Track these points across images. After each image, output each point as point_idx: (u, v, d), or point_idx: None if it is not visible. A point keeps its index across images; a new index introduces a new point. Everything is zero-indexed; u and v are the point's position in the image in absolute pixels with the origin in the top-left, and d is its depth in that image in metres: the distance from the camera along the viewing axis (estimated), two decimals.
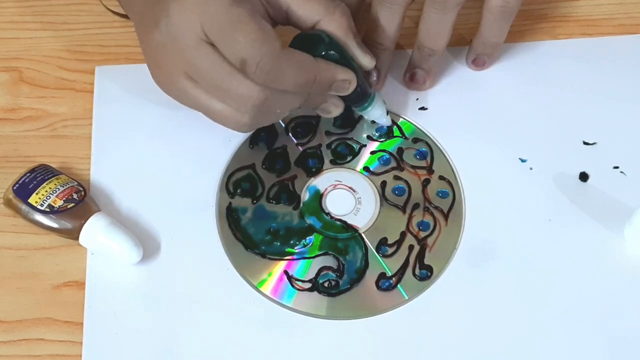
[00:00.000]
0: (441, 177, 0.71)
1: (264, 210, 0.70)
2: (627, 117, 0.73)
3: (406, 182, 0.71)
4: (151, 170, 0.71)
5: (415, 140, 0.72)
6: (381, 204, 0.70)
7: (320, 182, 0.71)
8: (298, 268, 0.68)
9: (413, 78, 0.73)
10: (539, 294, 0.67)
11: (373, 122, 0.72)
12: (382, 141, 0.72)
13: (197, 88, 0.64)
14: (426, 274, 0.68)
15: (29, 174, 0.68)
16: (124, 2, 0.70)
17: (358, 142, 0.72)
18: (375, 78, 0.72)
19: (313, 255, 0.68)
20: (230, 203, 0.70)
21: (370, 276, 0.68)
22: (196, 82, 0.64)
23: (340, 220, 0.70)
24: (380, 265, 0.68)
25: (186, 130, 0.71)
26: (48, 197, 0.67)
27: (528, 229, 0.69)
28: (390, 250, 0.68)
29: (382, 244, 0.69)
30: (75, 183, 0.68)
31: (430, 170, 0.71)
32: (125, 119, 0.73)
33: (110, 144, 0.72)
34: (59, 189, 0.67)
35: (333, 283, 0.67)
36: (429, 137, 0.72)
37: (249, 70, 0.61)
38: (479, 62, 0.75)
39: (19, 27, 0.77)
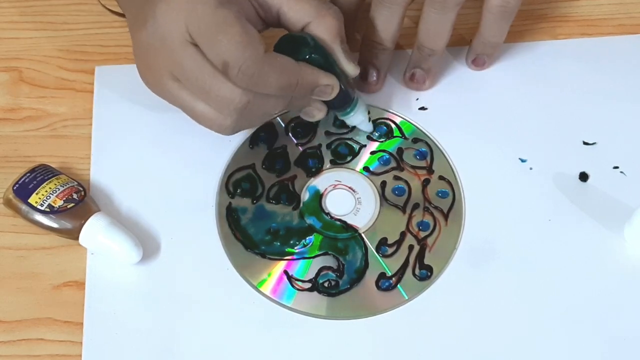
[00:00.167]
0: (441, 177, 0.71)
1: (264, 210, 0.70)
2: (627, 117, 0.73)
3: (406, 182, 0.71)
4: (151, 170, 0.71)
5: (415, 140, 0.72)
6: (381, 204, 0.70)
7: (320, 182, 0.71)
8: (298, 268, 0.68)
9: (413, 78, 0.73)
10: (539, 294, 0.67)
11: (354, 127, 0.72)
12: (382, 141, 0.72)
13: (182, 89, 0.64)
14: (426, 274, 0.68)
15: (29, 174, 0.68)
16: (122, 2, 0.70)
17: (358, 142, 0.72)
18: (375, 78, 0.73)
19: (313, 255, 0.68)
20: (230, 203, 0.70)
21: (370, 276, 0.68)
22: (181, 82, 0.64)
23: (340, 220, 0.70)
24: (380, 265, 0.68)
25: (186, 131, 0.71)
26: (48, 197, 0.67)
27: (528, 229, 0.69)
28: (390, 250, 0.68)
29: (382, 244, 0.69)
30: (75, 183, 0.68)
31: (430, 170, 0.71)
32: (125, 119, 0.73)
33: (110, 144, 0.72)
34: (59, 189, 0.67)
35: (333, 283, 0.67)
36: (428, 137, 0.72)
37: (231, 73, 0.61)
38: (478, 62, 0.75)
39: (19, 27, 0.77)
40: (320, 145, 0.72)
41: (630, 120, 0.73)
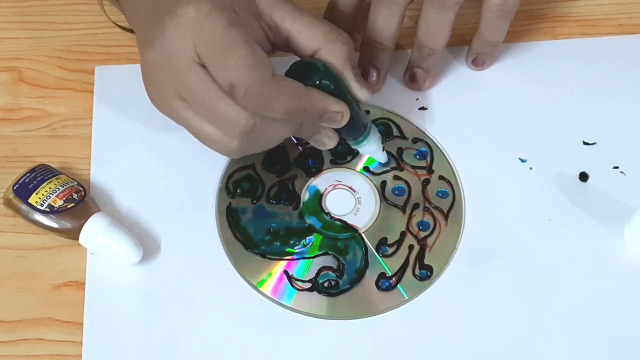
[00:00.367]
0: (441, 177, 0.71)
1: (264, 210, 0.70)
2: (627, 117, 0.73)
3: (406, 182, 0.71)
4: (151, 170, 0.71)
5: (415, 140, 0.72)
6: (381, 204, 0.70)
7: (320, 182, 0.71)
8: (298, 268, 0.68)
9: (413, 78, 0.73)
10: (539, 294, 0.67)
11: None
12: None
13: (188, 109, 0.64)
14: (426, 274, 0.68)
15: (29, 174, 0.68)
16: (129, 16, 0.70)
17: None
18: (375, 78, 0.73)
19: (313, 255, 0.68)
20: (230, 203, 0.70)
21: (370, 276, 0.68)
22: (187, 103, 0.63)
23: (340, 220, 0.70)
24: (380, 265, 0.68)
25: (186, 131, 0.71)
26: (48, 197, 0.67)
27: (528, 229, 0.69)
28: (390, 250, 0.68)
29: (382, 244, 0.69)
30: (75, 183, 0.68)
31: (430, 170, 0.71)
32: (125, 119, 0.73)
33: (110, 144, 0.72)
34: (59, 189, 0.67)
35: (333, 283, 0.67)
36: (428, 137, 0.72)
37: (237, 95, 0.60)
38: (478, 62, 0.75)
39: (19, 27, 0.77)
40: None
41: (630, 120, 0.73)
